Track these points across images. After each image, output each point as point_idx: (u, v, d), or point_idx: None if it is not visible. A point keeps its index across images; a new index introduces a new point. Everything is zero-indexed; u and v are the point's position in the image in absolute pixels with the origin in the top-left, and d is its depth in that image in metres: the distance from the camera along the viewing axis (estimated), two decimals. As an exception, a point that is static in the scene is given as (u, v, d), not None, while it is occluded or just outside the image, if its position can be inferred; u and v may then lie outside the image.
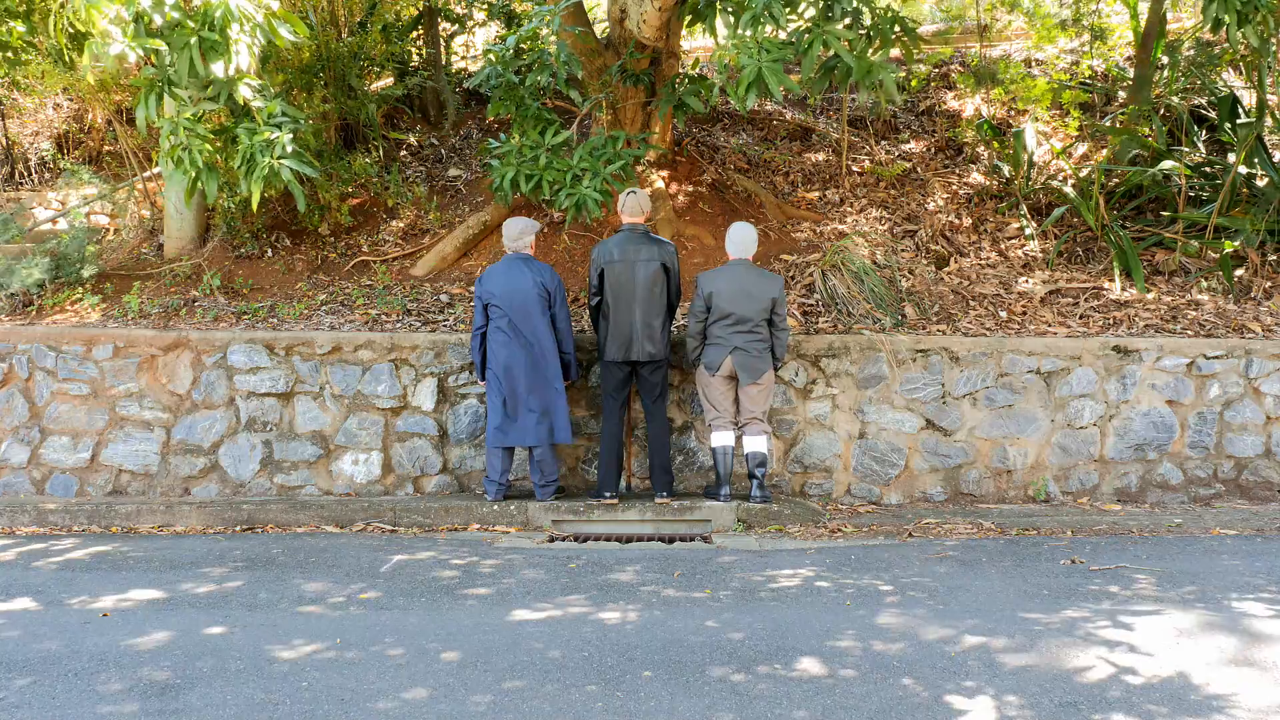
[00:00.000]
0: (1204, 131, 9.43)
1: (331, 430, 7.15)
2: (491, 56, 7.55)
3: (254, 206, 6.75)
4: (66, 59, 6.98)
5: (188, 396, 7.19)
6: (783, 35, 6.45)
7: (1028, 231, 8.66)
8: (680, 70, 8.46)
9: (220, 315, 7.57)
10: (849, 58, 6.43)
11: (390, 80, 9.73)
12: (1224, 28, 6.59)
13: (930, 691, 3.88)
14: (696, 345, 6.71)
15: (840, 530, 6.47)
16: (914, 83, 10.59)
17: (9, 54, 7.55)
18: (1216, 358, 7.23)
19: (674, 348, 7.03)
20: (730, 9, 6.63)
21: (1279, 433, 7.27)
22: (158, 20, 5.94)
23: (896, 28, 6.90)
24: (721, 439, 6.66)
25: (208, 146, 6.50)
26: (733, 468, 6.76)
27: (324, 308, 7.70)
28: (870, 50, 6.77)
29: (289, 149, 6.44)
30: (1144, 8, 9.67)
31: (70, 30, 6.45)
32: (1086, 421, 7.18)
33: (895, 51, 8.91)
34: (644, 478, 7.16)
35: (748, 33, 6.11)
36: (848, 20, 6.75)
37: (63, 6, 6.16)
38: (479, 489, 7.10)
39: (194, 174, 6.54)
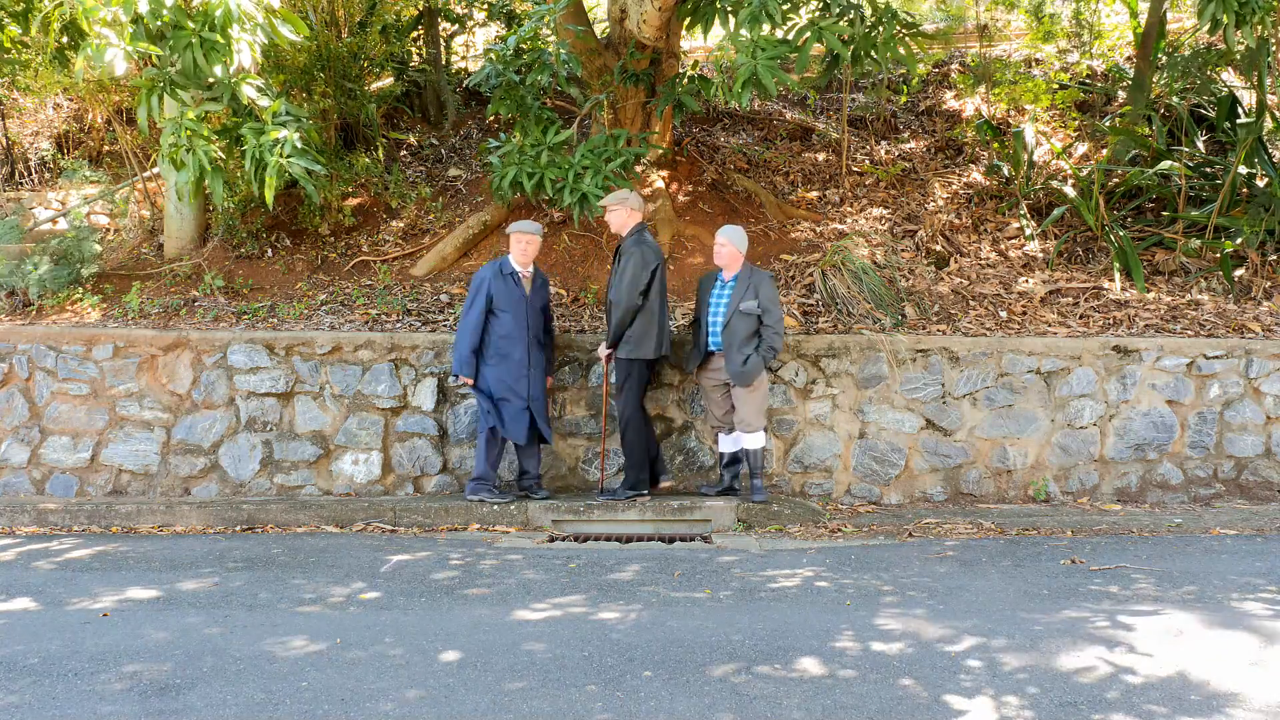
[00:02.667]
0: (1204, 131, 9.43)
1: (331, 430, 7.15)
2: (492, 56, 7.55)
3: (269, 204, 6.76)
4: (60, 60, 6.95)
5: (188, 396, 7.19)
6: (780, 34, 6.47)
7: (1028, 231, 8.66)
8: (680, 70, 8.47)
9: (220, 315, 7.57)
10: (842, 49, 6.44)
11: (390, 80, 9.73)
12: (1222, 28, 6.59)
13: (930, 691, 3.88)
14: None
15: (840, 530, 6.47)
16: (914, 82, 10.59)
17: (4, 54, 7.53)
18: (1216, 358, 7.23)
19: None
20: (729, 8, 6.64)
21: (1279, 433, 7.27)
22: (156, 23, 5.93)
23: (897, 25, 6.90)
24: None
25: (212, 146, 6.50)
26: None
27: (324, 308, 7.70)
28: (871, 44, 6.80)
29: (298, 146, 6.45)
30: (1144, 8, 9.67)
31: (60, 37, 6.43)
32: (1086, 421, 7.18)
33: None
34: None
35: (745, 32, 6.12)
36: (848, 17, 6.76)
37: (56, 6, 6.13)
38: (480, 489, 7.11)
39: (198, 174, 6.52)
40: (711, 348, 6.69)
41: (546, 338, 6.92)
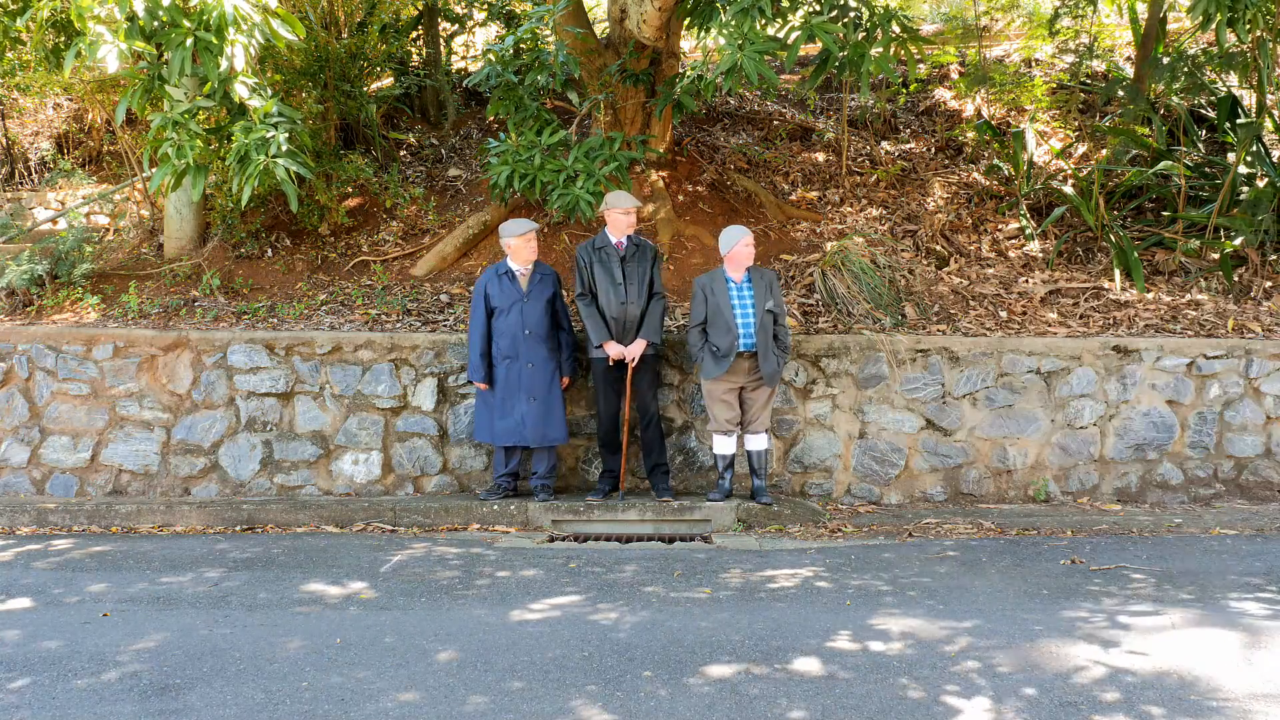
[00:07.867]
0: (1204, 131, 9.42)
1: (331, 430, 7.14)
2: (491, 56, 7.55)
3: (242, 204, 6.68)
4: (54, 58, 6.93)
5: (188, 396, 7.19)
6: (771, 31, 6.50)
7: (1028, 231, 8.66)
8: (680, 70, 8.47)
9: (220, 315, 7.57)
10: (835, 49, 6.44)
11: (390, 80, 9.73)
12: (1214, 23, 6.60)
13: (929, 692, 3.88)
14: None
15: (840, 530, 6.48)
16: (913, 85, 10.59)
17: (4, 51, 7.53)
18: (1216, 358, 7.23)
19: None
20: (726, 5, 6.65)
21: (1279, 433, 7.27)
22: (154, 22, 5.92)
23: (895, 27, 6.90)
24: None
25: (199, 143, 6.47)
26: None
27: (324, 308, 7.70)
28: (869, 47, 6.79)
29: (284, 147, 6.41)
30: (1144, 9, 9.66)
31: (58, 37, 6.41)
32: (1086, 421, 7.17)
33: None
34: (643, 477, 7.15)
35: (742, 28, 6.13)
36: (847, 18, 6.76)
37: (48, 2, 6.12)
38: (478, 489, 7.11)
39: (180, 169, 6.47)
40: (743, 349, 6.52)
41: (560, 335, 6.80)
